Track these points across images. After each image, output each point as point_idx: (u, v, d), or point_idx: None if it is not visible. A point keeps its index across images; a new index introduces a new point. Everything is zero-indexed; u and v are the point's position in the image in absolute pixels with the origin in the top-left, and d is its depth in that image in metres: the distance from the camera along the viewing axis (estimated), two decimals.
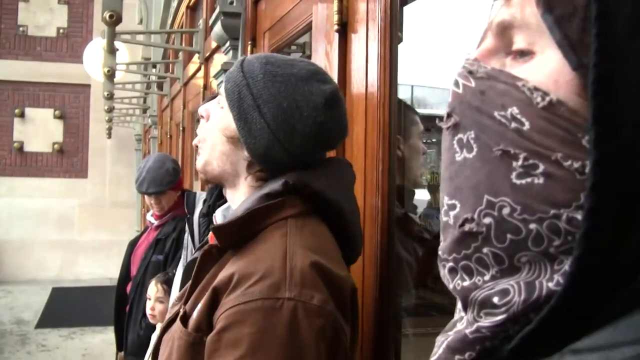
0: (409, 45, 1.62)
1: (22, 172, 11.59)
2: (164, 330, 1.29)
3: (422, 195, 1.89)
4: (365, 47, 1.70)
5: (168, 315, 1.33)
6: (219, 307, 1.10)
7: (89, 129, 11.84)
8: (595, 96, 0.45)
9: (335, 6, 1.79)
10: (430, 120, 1.92)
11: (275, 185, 1.21)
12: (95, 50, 7.20)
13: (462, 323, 0.56)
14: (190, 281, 1.26)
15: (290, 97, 1.20)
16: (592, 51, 0.45)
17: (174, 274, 2.96)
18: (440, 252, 0.58)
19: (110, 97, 4.87)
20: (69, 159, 11.82)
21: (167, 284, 2.92)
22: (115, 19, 2.84)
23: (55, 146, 11.72)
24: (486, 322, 0.53)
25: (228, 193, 1.39)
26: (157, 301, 2.92)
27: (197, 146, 1.74)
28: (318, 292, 1.07)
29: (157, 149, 7.76)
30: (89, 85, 11.44)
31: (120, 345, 3.61)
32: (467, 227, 0.54)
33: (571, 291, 0.47)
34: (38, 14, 11.77)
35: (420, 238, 1.83)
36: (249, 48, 2.86)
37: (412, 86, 1.71)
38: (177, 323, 1.19)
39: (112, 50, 4.12)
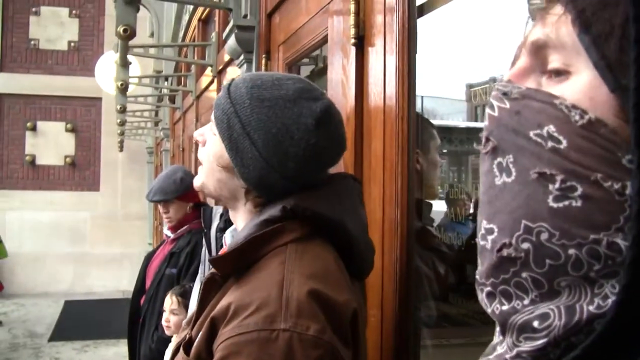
0: (419, 56, 1.62)
1: (34, 185, 11.64)
2: (175, 354, 1.30)
3: (438, 207, 1.88)
4: (383, 60, 1.69)
5: (179, 339, 1.34)
6: (217, 337, 1.10)
7: (100, 142, 11.89)
8: (637, 120, 0.44)
9: (351, 19, 1.79)
10: (441, 131, 1.92)
11: (273, 211, 1.21)
12: (106, 63, 7.24)
13: (502, 347, 0.56)
14: (196, 307, 1.27)
15: (279, 122, 1.19)
16: (632, 74, 0.45)
17: (190, 287, 2.98)
18: (477, 277, 0.58)
19: (122, 110, 4.88)
20: (80, 172, 11.88)
21: (183, 296, 2.96)
22: (129, 34, 2.84)
23: (67, 159, 11.78)
24: (526, 346, 0.53)
25: (230, 214, 1.40)
26: (171, 313, 2.96)
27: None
28: (314, 322, 1.06)
29: (169, 161, 7.79)
30: (100, 98, 11.50)
31: (133, 357, 3.61)
32: (505, 252, 0.54)
33: (617, 319, 0.47)
34: (49, 27, 11.86)
35: (439, 251, 1.82)
36: (263, 61, 2.87)
37: (422, 97, 1.71)
38: (181, 350, 1.20)
39: (125, 64, 4.13)
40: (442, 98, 2.03)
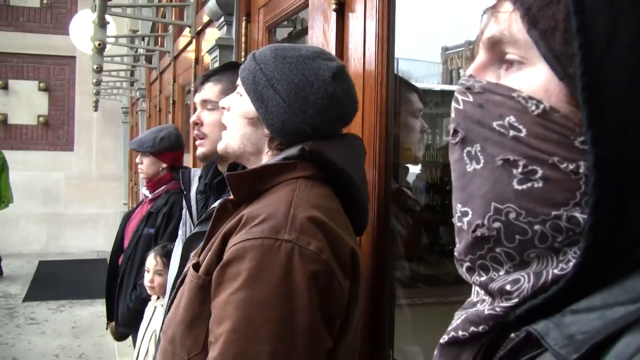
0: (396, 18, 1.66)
1: (7, 145, 11.43)
2: (179, 286, 1.39)
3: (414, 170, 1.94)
4: (363, 25, 1.73)
5: (185, 269, 1.41)
6: (226, 248, 1.21)
7: (74, 102, 11.73)
8: (586, 102, 0.52)
9: None
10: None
11: (292, 150, 1.32)
12: (82, 22, 7.14)
13: (482, 305, 0.63)
14: (205, 235, 1.36)
15: (300, 73, 1.32)
16: (577, 61, 0.51)
17: (172, 247, 3.01)
18: (456, 254, 0.66)
19: (99, 70, 4.85)
20: (54, 132, 11.73)
21: (166, 256, 2.97)
22: None
23: (41, 119, 11.62)
24: (502, 304, 0.60)
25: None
26: (155, 274, 2.98)
27: (197, 135, 1.83)
28: (315, 240, 1.17)
29: (145, 121, 7.75)
30: (74, 57, 11.31)
31: (111, 315, 3.65)
32: (479, 232, 0.61)
33: (577, 276, 0.54)
34: None
35: (413, 211, 1.88)
36: (243, 24, 2.88)
37: (398, 59, 1.75)
38: (190, 269, 1.30)
39: (102, 24, 4.11)
40: (418, 60, 2.05)
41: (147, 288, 3.02)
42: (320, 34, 1.99)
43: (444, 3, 1.79)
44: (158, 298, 3.01)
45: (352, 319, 1.25)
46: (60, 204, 11.62)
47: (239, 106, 1.41)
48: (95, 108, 10.70)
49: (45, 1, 11.66)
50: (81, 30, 7.15)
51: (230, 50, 2.98)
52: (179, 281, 1.41)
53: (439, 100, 2.05)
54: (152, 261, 3.01)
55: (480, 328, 0.61)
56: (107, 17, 4.41)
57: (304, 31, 3.06)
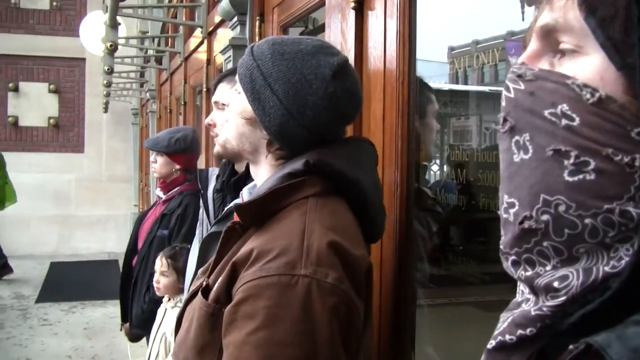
0: None
1: (17, 147, 11.50)
2: (187, 302, 1.34)
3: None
4: (383, 24, 1.71)
5: (192, 288, 1.37)
6: (237, 280, 1.16)
7: (84, 103, 11.75)
8: None
9: None
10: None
11: (296, 165, 1.25)
12: (92, 23, 7.14)
13: (528, 304, 0.60)
14: (214, 255, 1.31)
15: (298, 72, 1.25)
16: (637, 52, 0.49)
17: (181, 248, 3.01)
18: (502, 246, 0.63)
19: (110, 72, 4.85)
20: (64, 134, 11.76)
21: (173, 258, 3.01)
22: None
23: (51, 121, 11.64)
24: (549, 303, 0.57)
25: (252, 170, 1.45)
26: (161, 275, 3.01)
27: (211, 129, 1.81)
28: (333, 271, 1.12)
29: (156, 123, 7.75)
30: (83, 59, 11.33)
31: (125, 317, 3.65)
32: (526, 224, 0.59)
33: (632, 277, 0.51)
34: None
35: (433, 211, 1.86)
36: (257, 24, 2.86)
37: None
38: (199, 295, 1.25)
39: (114, 25, 4.10)
40: (427, 61, 2.04)
41: (155, 288, 3.07)
42: (338, 33, 1.96)
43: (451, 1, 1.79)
44: (169, 299, 3.01)
45: (363, 341, 1.21)
46: (71, 206, 11.64)
47: (237, 104, 1.35)
48: (105, 109, 10.72)
49: (54, 3, 11.68)
50: (91, 32, 7.15)
51: (244, 50, 2.95)
52: (188, 296, 1.37)
53: (447, 100, 2.04)
54: (158, 262, 3.05)
55: (528, 331, 0.59)
56: (118, 18, 4.41)
57: (317, 30, 3.04)
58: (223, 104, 1.95)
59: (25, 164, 11.35)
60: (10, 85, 11.47)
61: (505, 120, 0.61)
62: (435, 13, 1.81)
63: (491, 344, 0.62)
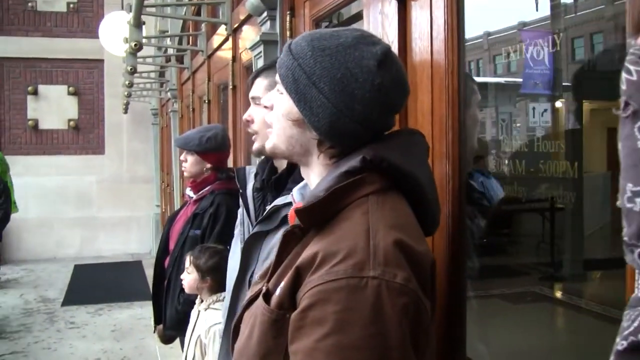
0: None
1: (38, 150, 11.56)
2: (245, 308, 1.31)
3: None
4: (429, 14, 1.67)
5: (250, 294, 1.34)
6: (302, 285, 1.12)
7: (104, 105, 11.77)
8: None
9: None
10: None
11: (353, 162, 1.22)
12: (111, 24, 7.13)
13: None
14: (273, 260, 1.27)
15: (342, 66, 1.21)
16: None
17: (208, 248, 3.00)
18: (626, 238, 0.58)
19: (133, 72, 4.82)
20: (85, 136, 11.79)
21: (195, 256, 3.03)
22: None
23: (71, 123, 11.67)
24: None
25: (302, 171, 1.41)
26: (186, 272, 3.04)
27: (249, 125, 1.79)
28: (401, 270, 1.08)
29: (178, 122, 7.74)
30: (102, 60, 11.36)
31: (159, 318, 3.63)
32: None
33: None
34: None
35: (480, 205, 1.83)
36: (287, 18, 2.83)
37: None
38: (260, 300, 1.21)
39: (138, 24, 4.08)
40: None
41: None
42: (378, 25, 1.93)
43: None
44: (202, 301, 3.00)
45: (430, 340, 1.17)
46: (93, 208, 11.69)
47: (281, 106, 1.32)
48: (125, 110, 10.74)
49: (72, 5, 11.71)
50: (111, 32, 7.14)
51: (275, 45, 2.93)
52: (246, 302, 1.33)
53: None
54: (186, 260, 3.08)
55: None
56: (143, 18, 4.39)
57: (343, 25, 3.00)
58: (260, 99, 1.94)
59: (46, 167, 11.41)
60: (30, 88, 11.51)
61: (627, 104, 0.56)
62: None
63: (622, 344, 0.58)
